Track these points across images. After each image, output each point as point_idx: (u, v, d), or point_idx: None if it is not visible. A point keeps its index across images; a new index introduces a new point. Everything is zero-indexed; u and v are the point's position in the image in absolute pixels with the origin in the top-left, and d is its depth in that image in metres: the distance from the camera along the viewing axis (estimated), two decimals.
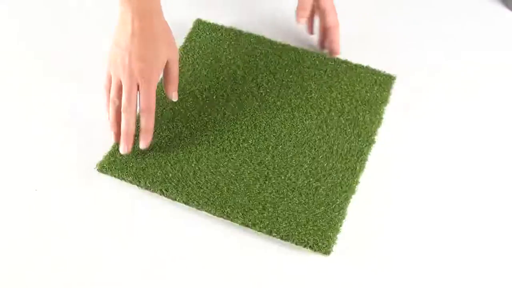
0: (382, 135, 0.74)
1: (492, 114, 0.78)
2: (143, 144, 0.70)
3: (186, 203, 0.68)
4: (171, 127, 0.74)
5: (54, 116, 0.75)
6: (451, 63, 0.82)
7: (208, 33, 0.84)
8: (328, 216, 0.67)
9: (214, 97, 0.77)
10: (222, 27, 0.85)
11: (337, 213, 0.68)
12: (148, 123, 0.69)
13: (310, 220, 0.67)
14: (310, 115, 0.76)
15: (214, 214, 0.68)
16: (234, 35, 0.84)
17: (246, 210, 0.67)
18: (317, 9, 0.79)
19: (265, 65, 0.81)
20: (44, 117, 0.75)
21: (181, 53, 0.80)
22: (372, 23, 0.86)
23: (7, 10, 0.85)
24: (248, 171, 0.70)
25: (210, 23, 0.86)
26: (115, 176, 0.70)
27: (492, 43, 0.85)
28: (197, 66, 0.80)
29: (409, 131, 0.75)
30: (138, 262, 0.64)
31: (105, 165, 0.70)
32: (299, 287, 0.63)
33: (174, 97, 0.73)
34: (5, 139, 0.73)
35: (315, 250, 0.65)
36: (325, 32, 0.81)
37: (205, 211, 0.68)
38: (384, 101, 0.77)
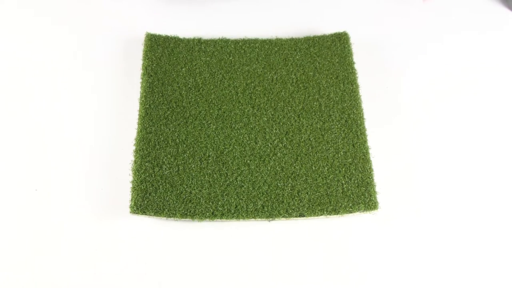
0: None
1: (492, 114, 0.76)
2: None
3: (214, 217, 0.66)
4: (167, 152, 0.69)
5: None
6: (451, 63, 0.81)
7: (163, 46, 0.79)
8: (358, 174, 0.68)
9: (198, 112, 0.73)
10: (176, 37, 0.80)
11: (361, 169, 0.68)
12: None
13: (343, 186, 0.67)
14: (298, 98, 0.74)
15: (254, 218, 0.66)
16: (193, 44, 0.80)
17: (287, 207, 0.66)
18: None
19: (238, 67, 0.77)
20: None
21: (142, 74, 0.76)
22: (372, 24, 0.86)
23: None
24: (264, 173, 0.68)
25: (162, 36, 0.80)
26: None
27: (492, 43, 0.85)
28: (166, 85, 0.75)
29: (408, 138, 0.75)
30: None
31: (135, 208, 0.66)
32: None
33: None
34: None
35: (365, 209, 0.66)
36: None
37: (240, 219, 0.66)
38: (349, 52, 0.79)
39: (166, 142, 0.70)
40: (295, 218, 0.66)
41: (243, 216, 0.65)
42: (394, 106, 0.77)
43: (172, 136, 0.71)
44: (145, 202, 0.65)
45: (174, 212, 0.65)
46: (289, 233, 0.66)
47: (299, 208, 0.66)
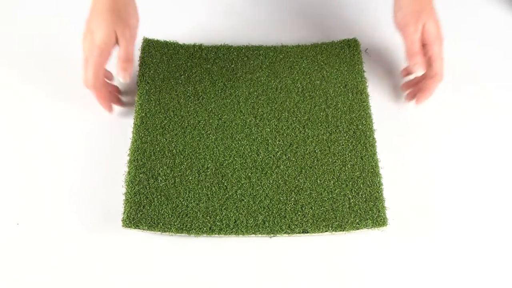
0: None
1: (508, 132, 0.75)
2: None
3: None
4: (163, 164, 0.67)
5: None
6: (468, 76, 0.79)
7: (161, 52, 0.77)
8: (366, 188, 0.66)
9: (196, 121, 0.71)
10: (175, 43, 0.79)
11: (370, 183, 0.66)
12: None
13: (349, 201, 0.65)
14: (304, 108, 0.72)
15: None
16: (193, 50, 0.78)
17: (289, 222, 0.64)
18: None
19: (241, 75, 0.76)
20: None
21: (139, 81, 0.74)
22: (385, 30, 0.84)
23: None
24: (266, 186, 0.66)
25: (160, 41, 0.79)
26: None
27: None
28: (164, 92, 0.73)
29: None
30: None
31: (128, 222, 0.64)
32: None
33: (120, 76, 0.67)
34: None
35: (373, 225, 0.64)
36: (420, 80, 0.74)
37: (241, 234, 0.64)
38: (359, 60, 0.77)
39: (162, 153, 0.68)
40: (298, 235, 0.65)
41: (242, 231, 0.64)
42: (406, 117, 0.75)
43: (169, 147, 0.69)
44: (139, 215, 0.64)
45: (169, 226, 0.63)
46: (291, 250, 0.64)
47: (302, 223, 0.64)
